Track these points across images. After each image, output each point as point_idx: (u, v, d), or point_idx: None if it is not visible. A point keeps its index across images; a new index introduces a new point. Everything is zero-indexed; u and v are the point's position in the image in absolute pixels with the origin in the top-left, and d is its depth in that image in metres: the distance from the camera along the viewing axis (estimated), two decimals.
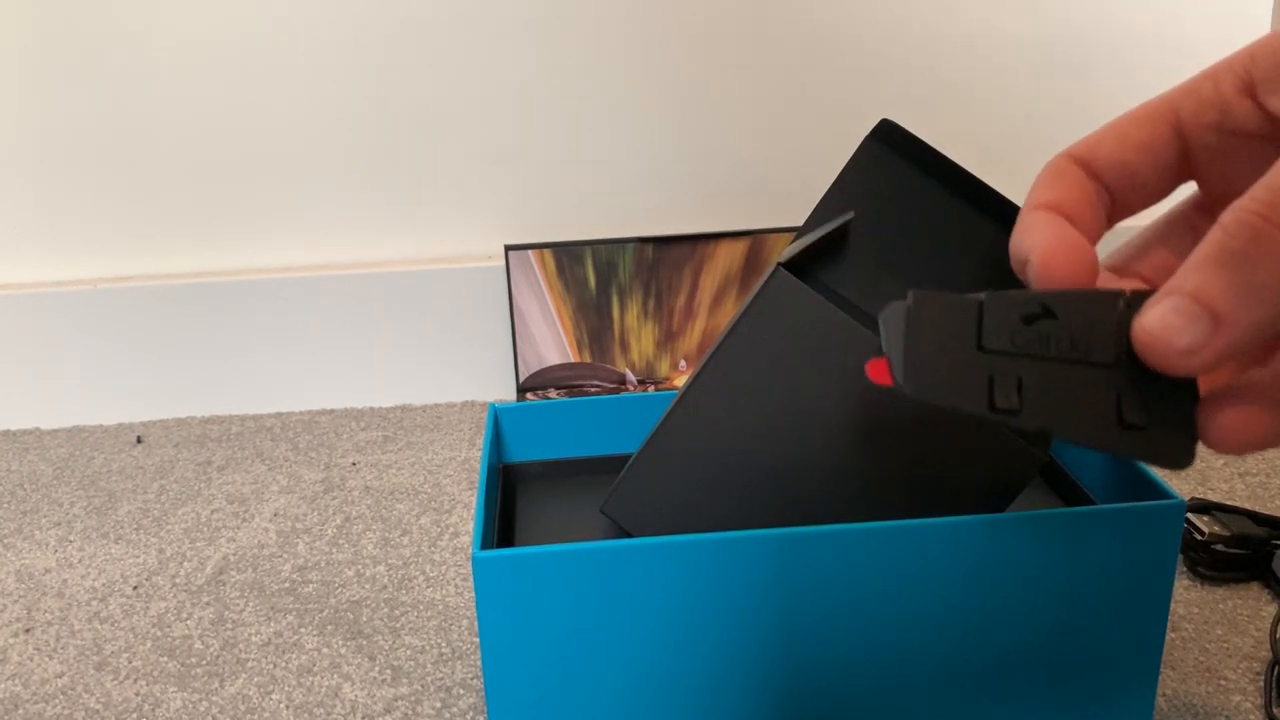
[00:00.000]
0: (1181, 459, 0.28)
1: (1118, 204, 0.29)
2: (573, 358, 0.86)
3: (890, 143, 0.50)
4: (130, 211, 0.86)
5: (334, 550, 0.66)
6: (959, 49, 0.84)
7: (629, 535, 0.46)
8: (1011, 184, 0.98)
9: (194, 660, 0.56)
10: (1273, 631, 0.53)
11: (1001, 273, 0.50)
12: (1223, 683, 0.50)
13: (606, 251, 0.84)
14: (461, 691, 0.52)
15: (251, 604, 0.61)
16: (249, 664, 0.55)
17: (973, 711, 0.43)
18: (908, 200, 0.50)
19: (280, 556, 0.66)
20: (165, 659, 0.56)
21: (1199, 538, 0.58)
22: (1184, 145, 0.28)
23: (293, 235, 0.87)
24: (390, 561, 0.64)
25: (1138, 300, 0.28)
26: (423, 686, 0.53)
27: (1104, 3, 0.84)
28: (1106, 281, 0.31)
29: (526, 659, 0.41)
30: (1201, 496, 0.65)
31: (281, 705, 0.52)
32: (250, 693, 0.53)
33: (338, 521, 0.70)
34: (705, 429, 0.44)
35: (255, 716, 0.51)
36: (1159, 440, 0.28)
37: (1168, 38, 0.85)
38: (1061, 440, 0.29)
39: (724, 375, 0.43)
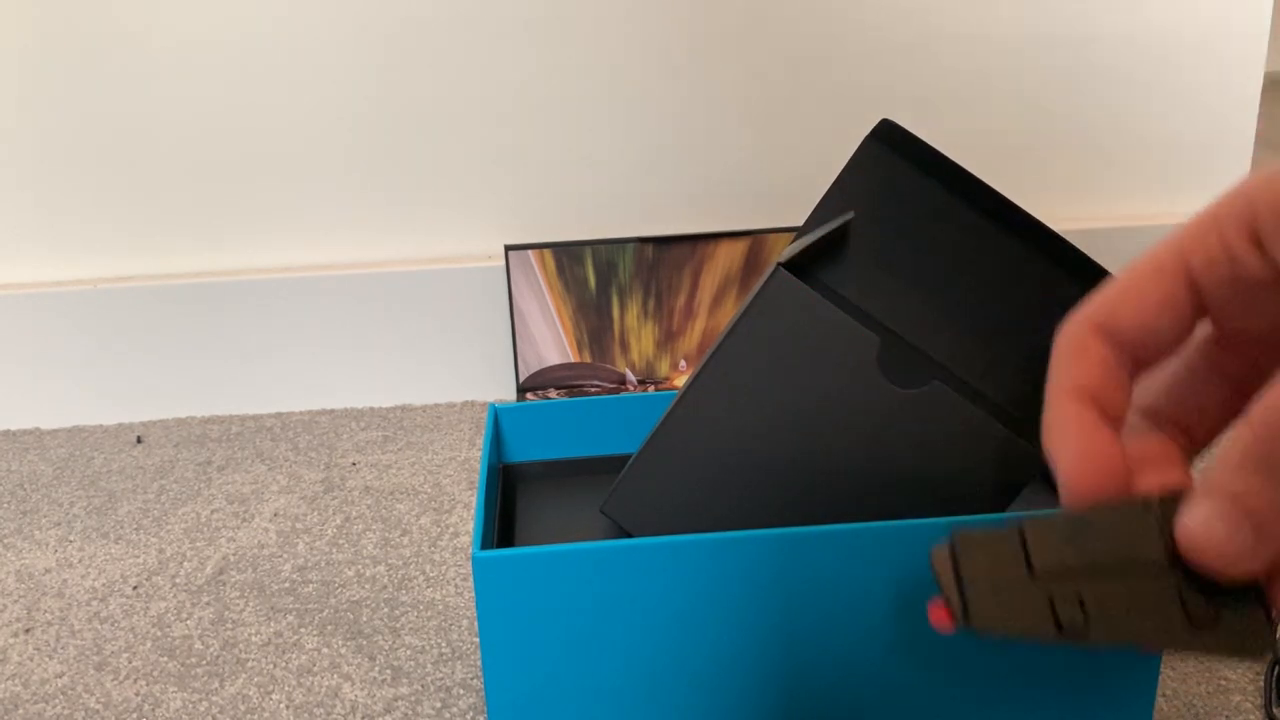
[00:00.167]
0: (1263, 647, 0.28)
1: (1140, 362, 0.29)
2: (573, 358, 0.86)
3: (890, 143, 0.50)
4: (130, 211, 0.86)
5: (334, 550, 0.66)
6: (959, 49, 0.84)
7: (629, 535, 0.46)
8: (1011, 184, 0.98)
9: (194, 660, 0.56)
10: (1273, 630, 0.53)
11: (1001, 272, 0.50)
12: (1223, 683, 0.50)
13: (606, 251, 0.84)
14: (461, 691, 0.52)
15: (251, 604, 0.61)
16: (249, 664, 0.55)
17: (973, 711, 0.43)
18: (908, 200, 0.50)
19: (280, 556, 0.66)
20: (165, 659, 0.56)
21: None
22: (1198, 296, 0.28)
23: (293, 235, 0.87)
24: (390, 561, 0.64)
25: (1170, 502, 0.28)
26: (423, 686, 0.53)
27: (1104, 3, 0.84)
28: (1138, 428, 0.31)
29: (526, 659, 0.41)
30: None
31: (281, 705, 0.52)
32: (250, 693, 0.53)
33: (338, 521, 0.70)
34: (705, 429, 0.44)
35: (255, 716, 0.51)
36: (1234, 630, 0.28)
37: (1168, 38, 0.85)
38: (1138, 651, 0.29)
39: (724, 375, 0.43)
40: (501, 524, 0.50)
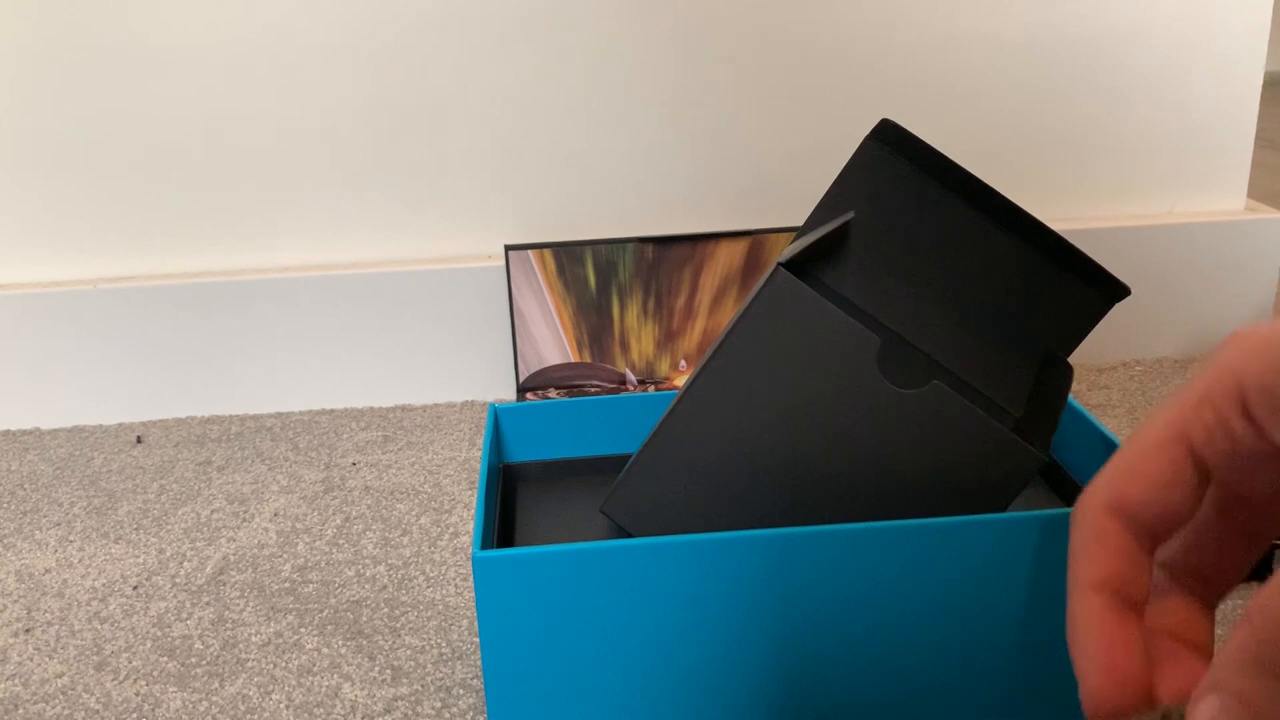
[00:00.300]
0: None
1: (1157, 536, 0.30)
2: (573, 358, 0.86)
3: (890, 143, 0.50)
4: (130, 211, 0.86)
5: (334, 550, 0.66)
6: (959, 50, 0.84)
7: (629, 535, 0.46)
8: (1011, 184, 0.98)
9: (194, 660, 0.56)
10: None
11: (1001, 272, 0.50)
12: None
13: (606, 251, 0.84)
14: (461, 691, 0.52)
15: (251, 604, 0.61)
16: (249, 664, 0.55)
17: (972, 710, 0.43)
18: (908, 200, 0.50)
19: (280, 556, 0.66)
20: (165, 659, 0.56)
21: None
22: (1203, 466, 0.29)
23: (293, 235, 0.87)
24: (390, 561, 0.64)
25: (1175, 714, 0.28)
26: (423, 686, 0.53)
27: (1104, 3, 0.84)
28: (1159, 586, 0.31)
29: (526, 659, 0.41)
30: None
31: (281, 705, 0.52)
32: (250, 693, 0.53)
33: (338, 521, 0.70)
34: (705, 429, 0.44)
35: (255, 716, 0.51)
36: None
37: (1168, 38, 0.85)
38: None
39: (724, 375, 0.43)
40: (501, 524, 0.50)
